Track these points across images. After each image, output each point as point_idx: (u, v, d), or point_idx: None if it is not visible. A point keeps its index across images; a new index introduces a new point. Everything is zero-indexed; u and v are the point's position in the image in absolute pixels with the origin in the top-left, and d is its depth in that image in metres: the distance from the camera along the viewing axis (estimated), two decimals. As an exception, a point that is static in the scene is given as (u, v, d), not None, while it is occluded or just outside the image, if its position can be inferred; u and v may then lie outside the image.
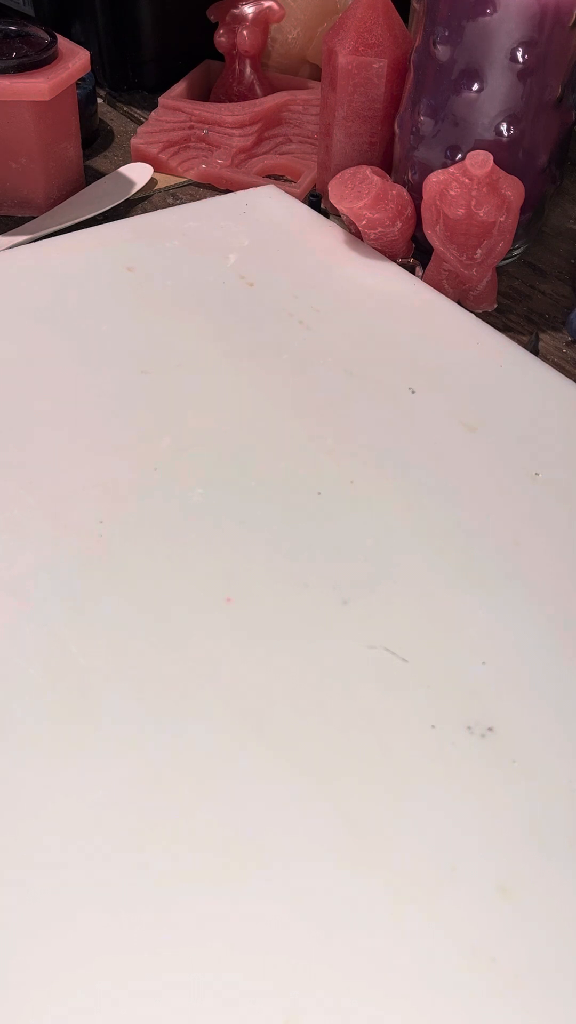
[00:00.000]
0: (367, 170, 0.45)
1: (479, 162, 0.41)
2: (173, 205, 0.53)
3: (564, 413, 0.39)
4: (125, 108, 0.62)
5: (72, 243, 0.47)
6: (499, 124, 0.44)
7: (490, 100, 0.43)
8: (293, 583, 0.32)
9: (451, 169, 0.42)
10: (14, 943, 0.23)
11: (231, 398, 0.39)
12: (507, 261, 0.50)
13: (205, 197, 0.53)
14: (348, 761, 0.28)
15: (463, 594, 0.32)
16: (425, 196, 0.43)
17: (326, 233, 0.48)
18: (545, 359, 0.44)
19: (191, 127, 0.56)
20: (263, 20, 0.57)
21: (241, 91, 0.59)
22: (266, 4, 0.57)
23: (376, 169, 0.46)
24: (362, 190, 0.45)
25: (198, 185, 0.55)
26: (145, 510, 0.34)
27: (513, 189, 0.42)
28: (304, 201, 0.52)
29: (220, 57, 0.60)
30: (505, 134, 0.44)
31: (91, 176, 0.54)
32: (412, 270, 0.47)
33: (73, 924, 0.24)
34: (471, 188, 0.42)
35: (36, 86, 0.46)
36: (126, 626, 0.30)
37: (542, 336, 0.46)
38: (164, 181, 0.54)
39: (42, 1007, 0.23)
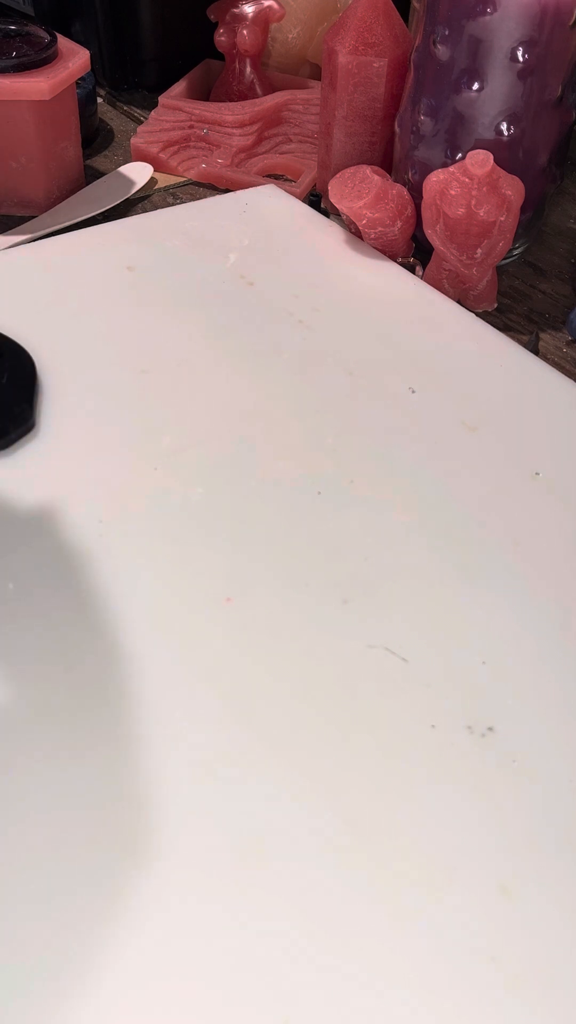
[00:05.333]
0: (367, 169, 0.45)
1: (479, 161, 0.41)
2: (173, 205, 0.53)
3: (564, 413, 0.39)
4: (125, 107, 0.62)
5: (72, 243, 0.47)
6: (499, 123, 0.44)
7: (490, 99, 0.43)
8: (293, 583, 0.32)
9: (451, 168, 0.42)
10: (10, 944, 0.24)
11: (231, 398, 0.39)
12: (507, 260, 0.50)
13: (205, 196, 0.53)
14: (348, 761, 0.27)
15: (463, 593, 0.32)
16: (425, 195, 0.43)
17: (326, 232, 0.48)
18: (545, 359, 0.44)
19: (191, 126, 0.56)
20: (263, 19, 0.57)
21: (241, 90, 0.59)
22: (266, 3, 0.57)
23: (376, 168, 0.46)
24: (362, 189, 0.45)
25: (198, 184, 0.55)
26: (145, 510, 0.34)
27: (513, 188, 0.42)
28: (304, 200, 0.52)
29: (220, 56, 0.60)
30: (505, 133, 0.44)
31: (91, 175, 0.54)
32: (412, 269, 0.47)
33: (70, 926, 0.24)
34: (471, 187, 0.42)
35: (36, 86, 0.46)
36: (126, 626, 0.30)
37: (542, 336, 0.46)
38: (164, 180, 0.54)
39: (39, 1009, 0.23)
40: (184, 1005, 0.23)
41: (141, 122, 0.59)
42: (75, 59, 0.48)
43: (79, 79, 0.50)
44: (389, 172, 0.49)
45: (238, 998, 0.23)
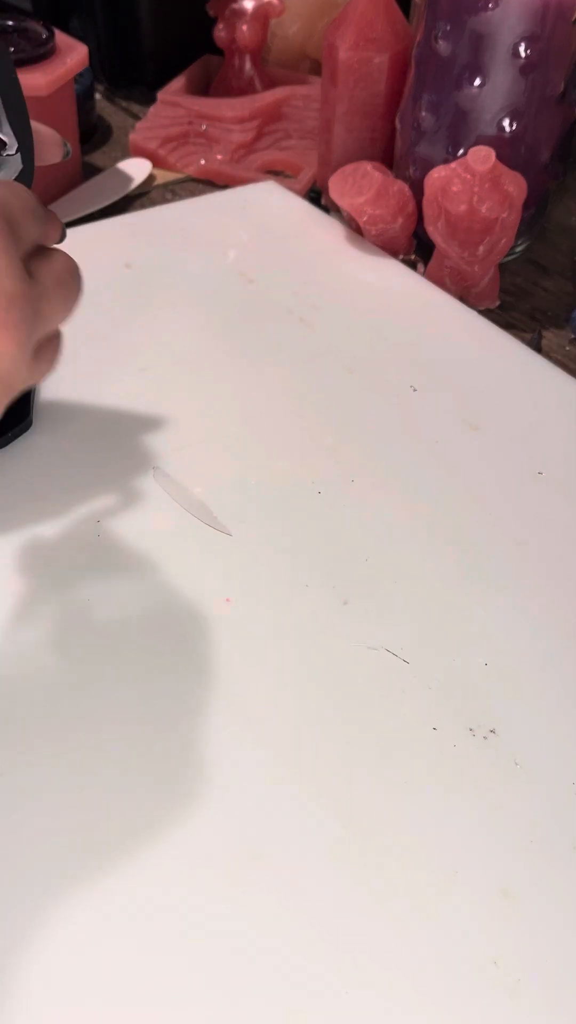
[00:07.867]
0: (368, 166, 0.45)
1: (481, 158, 0.41)
2: (172, 201, 0.52)
3: (567, 411, 0.39)
4: (123, 103, 0.62)
5: (69, 240, 0.46)
6: (501, 119, 0.43)
7: (492, 95, 0.43)
8: (293, 583, 0.32)
9: (453, 165, 0.42)
10: (12, 943, 0.23)
11: (230, 396, 0.39)
12: (509, 258, 0.49)
13: (204, 193, 0.53)
14: (349, 763, 0.27)
15: (465, 594, 0.32)
16: (427, 192, 0.43)
17: (327, 229, 0.48)
18: (548, 356, 0.44)
19: (190, 122, 0.56)
20: (263, 15, 0.57)
21: (240, 86, 0.59)
22: (266, -1, 0.57)
23: (377, 165, 0.45)
24: (363, 186, 0.44)
25: (197, 181, 0.54)
26: (143, 509, 0.34)
27: (515, 185, 0.42)
28: (304, 197, 0.52)
29: (219, 52, 0.60)
30: (507, 130, 0.44)
31: (89, 172, 0.54)
32: (414, 267, 0.47)
33: (72, 927, 0.24)
34: (473, 184, 0.41)
35: (33, 81, 0.46)
36: (124, 626, 0.30)
37: (545, 333, 0.46)
38: (163, 177, 0.54)
39: (40, 1007, 0.22)
40: (184, 1006, 0.23)
41: (139, 118, 0.58)
42: (73, 55, 0.48)
43: (77, 75, 0.50)
44: (390, 168, 0.49)
45: (238, 999, 0.23)
